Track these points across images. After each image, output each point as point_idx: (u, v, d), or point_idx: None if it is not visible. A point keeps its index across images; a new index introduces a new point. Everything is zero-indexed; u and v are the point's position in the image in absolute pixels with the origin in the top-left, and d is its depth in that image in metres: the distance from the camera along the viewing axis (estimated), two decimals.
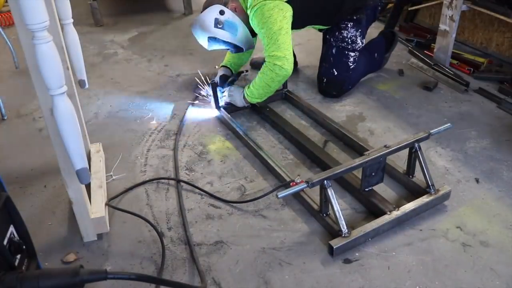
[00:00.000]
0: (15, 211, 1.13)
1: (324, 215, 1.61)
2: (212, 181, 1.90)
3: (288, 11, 2.10)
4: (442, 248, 1.52)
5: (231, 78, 2.47)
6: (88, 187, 1.70)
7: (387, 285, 1.39)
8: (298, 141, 2.08)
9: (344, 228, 1.51)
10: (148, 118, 2.41)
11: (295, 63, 2.55)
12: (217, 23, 2.19)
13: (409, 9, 3.59)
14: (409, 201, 1.66)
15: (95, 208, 1.60)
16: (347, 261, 1.48)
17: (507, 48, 2.90)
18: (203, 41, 2.31)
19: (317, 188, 1.57)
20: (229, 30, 2.21)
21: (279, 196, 1.49)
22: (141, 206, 1.76)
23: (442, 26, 2.83)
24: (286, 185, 1.74)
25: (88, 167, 1.31)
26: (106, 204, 1.53)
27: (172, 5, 4.48)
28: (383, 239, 1.56)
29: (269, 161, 1.91)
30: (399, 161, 1.89)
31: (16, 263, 1.09)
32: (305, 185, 1.52)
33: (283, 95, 2.55)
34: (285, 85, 2.53)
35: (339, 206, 1.53)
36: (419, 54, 2.92)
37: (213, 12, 2.19)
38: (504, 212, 1.67)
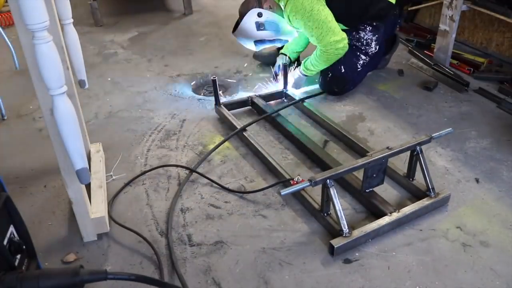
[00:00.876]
0: (15, 211, 1.13)
1: (325, 214, 1.61)
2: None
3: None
4: (442, 248, 1.52)
5: (288, 63, 2.64)
6: (88, 187, 1.70)
7: (387, 285, 1.39)
8: (298, 141, 2.08)
9: (345, 228, 1.51)
10: (148, 118, 2.41)
11: None
12: (258, 26, 2.34)
13: (409, 9, 3.59)
14: (409, 203, 1.66)
15: (95, 208, 1.60)
16: (347, 261, 1.48)
17: (507, 48, 2.90)
18: (250, 46, 2.52)
19: (318, 188, 1.57)
20: (271, 29, 2.37)
21: (282, 193, 1.49)
22: (141, 206, 1.76)
23: (442, 26, 2.83)
24: (285, 182, 1.74)
25: (88, 167, 1.31)
26: (110, 218, 1.53)
27: (172, 5, 4.48)
28: (383, 239, 1.56)
29: (270, 160, 1.91)
30: (399, 162, 1.89)
31: (16, 263, 1.09)
32: (308, 184, 1.53)
33: (283, 95, 2.55)
34: (285, 84, 2.53)
35: (341, 206, 1.53)
36: (419, 54, 2.92)
37: (251, 17, 2.34)
38: (504, 212, 1.67)
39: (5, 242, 1.06)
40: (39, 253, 1.24)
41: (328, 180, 1.53)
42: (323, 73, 2.51)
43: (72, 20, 1.61)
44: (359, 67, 2.46)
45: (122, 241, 1.59)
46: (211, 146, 2.13)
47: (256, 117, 2.34)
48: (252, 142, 2.05)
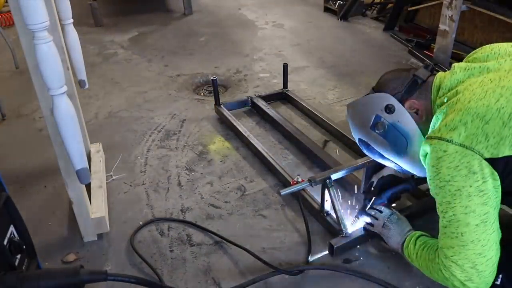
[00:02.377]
0: (15, 211, 1.13)
1: (325, 214, 1.61)
2: (212, 181, 1.90)
3: (484, 181, 1.09)
4: None
5: (401, 187, 1.56)
6: (88, 187, 1.70)
7: (386, 285, 1.39)
8: (298, 141, 2.08)
9: (345, 228, 1.51)
10: (148, 118, 2.41)
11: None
12: (375, 124, 1.32)
13: (409, 9, 3.60)
14: (408, 203, 1.66)
15: (95, 208, 1.60)
16: (347, 261, 1.48)
17: None
18: (354, 136, 1.46)
19: (318, 187, 1.57)
20: (393, 141, 1.31)
21: (281, 193, 1.49)
22: (141, 206, 1.76)
23: (442, 26, 2.83)
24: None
25: (88, 167, 1.31)
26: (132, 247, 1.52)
27: (172, 5, 4.48)
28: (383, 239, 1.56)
29: (270, 160, 1.91)
30: None
31: (16, 263, 1.09)
32: (308, 184, 1.53)
33: (283, 95, 2.55)
34: (285, 85, 2.53)
35: (340, 206, 1.53)
36: (419, 54, 2.92)
37: (377, 102, 1.32)
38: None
39: (5, 242, 1.06)
40: (39, 253, 1.24)
41: (327, 180, 1.53)
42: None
43: (72, 20, 1.61)
44: None
45: (122, 241, 1.59)
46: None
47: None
48: (252, 142, 2.05)
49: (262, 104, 2.38)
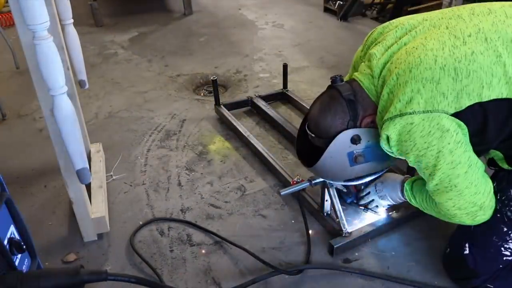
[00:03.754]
0: (16, 211, 1.13)
1: (325, 214, 1.61)
2: (212, 181, 1.90)
3: (456, 133, 1.14)
4: (441, 248, 1.52)
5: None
6: (88, 187, 1.70)
7: (386, 285, 1.39)
8: None
9: (344, 228, 1.51)
10: (148, 118, 2.41)
11: None
12: (353, 159, 1.34)
13: (409, 9, 3.60)
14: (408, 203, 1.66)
15: (95, 208, 1.60)
16: (347, 261, 1.48)
17: None
18: (336, 184, 1.56)
19: (318, 187, 1.57)
20: (376, 158, 1.35)
21: (281, 193, 1.50)
22: (141, 206, 1.76)
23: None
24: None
25: (88, 167, 1.32)
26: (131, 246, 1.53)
27: (172, 5, 4.48)
28: (383, 239, 1.56)
29: (270, 160, 1.91)
30: (398, 162, 1.89)
31: (17, 263, 1.09)
32: (308, 183, 1.53)
33: (283, 95, 2.55)
34: (285, 85, 2.53)
35: (340, 206, 1.53)
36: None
37: (341, 145, 1.32)
38: None
39: (5, 242, 1.06)
40: (39, 253, 1.24)
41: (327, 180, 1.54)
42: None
43: (72, 21, 1.61)
44: (507, 256, 1.28)
45: (122, 241, 1.59)
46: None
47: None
48: (252, 142, 2.05)
49: (262, 104, 2.38)
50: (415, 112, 1.13)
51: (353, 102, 1.29)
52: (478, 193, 1.19)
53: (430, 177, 1.20)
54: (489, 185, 1.21)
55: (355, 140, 1.30)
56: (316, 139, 1.36)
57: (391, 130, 1.17)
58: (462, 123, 1.14)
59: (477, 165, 1.19)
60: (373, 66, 1.26)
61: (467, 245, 1.32)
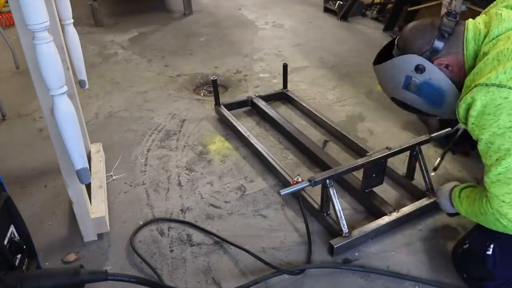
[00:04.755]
0: (16, 211, 1.13)
1: (325, 214, 1.61)
2: (212, 181, 1.90)
3: None
4: (442, 247, 1.52)
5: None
6: (88, 187, 1.70)
7: (386, 285, 1.39)
8: (298, 141, 2.08)
9: (344, 228, 1.51)
10: (148, 118, 2.41)
11: None
12: (408, 84, 1.32)
13: (409, 9, 3.60)
14: (408, 203, 1.67)
15: (95, 208, 1.60)
16: (347, 261, 1.48)
17: None
18: (386, 94, 1.49)
19: (318, 187, 1.57)
20: (428, 97, 1.32)
21: (281, 193, 1.50)
22: (141, 206, 1.76)
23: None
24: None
25: (88, 167, 1.31)
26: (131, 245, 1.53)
27: (172, 5, 4.48)
28: (383, 239, 1.56)
29: (270, 160, 1.91)
30: (398, 162, 1.89)
31: (17, 263, 1.10)
32: (308, 183, 1.53)
33: (283, 95, 2.55)
34: (285, 85, 2.53)
35: (340, 206, 1.53)
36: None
37: (405, 65, 1.31)
38: None
39: (5, 242, 1.06)
40: (39, 252, 1.24)
41: (327, 180, 1.54)
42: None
43: (72, 21, 1.61)
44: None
45: (122, 241, 1.59)
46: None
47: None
48: (252, 142, 2.05)
49: (262, 104, 2.38)
50: None
51: (443, 39, 1.25)
52: None
53: (497, 162, 1.12)
54: None
55: (419, 68, 1.27)
56: (395, 47, 1.36)
57: (481, 96, 1.09)
58: None
59: None
60: (493, 26, 1.19)
61: (492, 246, 1.26)
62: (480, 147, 1.16)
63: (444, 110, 1.34)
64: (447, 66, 1.26)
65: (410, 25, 1.35)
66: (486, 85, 1.09)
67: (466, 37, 1.23)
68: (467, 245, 1.35)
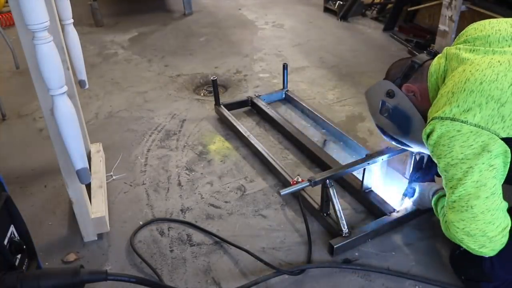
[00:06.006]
0: (16, 211, 1.13)
1: (325, 214, 1.61)
2: (212, 181, 1.90)
3: (496, 157, 1.13)
4: (442, 248, 1.52)
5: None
6: (88, 187, 1.70)
7: (386, 284, 1.39)
8: (298, 141, 2.08)
9: (344, 228, 1.51)
10: (148, 118, 2.41)
11: None
12: (382, 109, 1.47)
13: (409, 9, 3.60)
14: (408, 203, 1.66)
15: (96, 208, 1.60)
16: (347, 261, 1.48)
17: None
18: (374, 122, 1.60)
19: (318, 187, 1.57)
20: (398, 122, 1.44)
21: (281, 193, 1.50)
22: (141, 206, 1.76)
23: (441, 27, 2.83)
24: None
25: (88, 167, 1.31)
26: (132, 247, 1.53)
27: (172, 5, 4.48)
28: (383, 239, 1.56)
29: (270, 160, 1.91)
30: (398, 163, 1.89)
31: (17, 263, 1.10)
32: (308, 184, 1.53)
33: (283, 95, 2.55)
34: (285, 85, 2.53)
35: (340, 206, 1.53)
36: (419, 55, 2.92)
37: (380, 89, 1.45)
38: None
39: (5, 242, 1.06)
40: (39, 253, 1.24)
41: (327, 180, 1.54)
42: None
43: (72, 21, 1.61)
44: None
45: (122, 241, 1.59)
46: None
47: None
48: (252, 142, 2.05)
49: (262, 104, 2.38)
50: (467, 122, 1.12)
51: (412, 68, 1.38)
52: (492, 224, 1.15)
53: (451, 190, 1.19)
54: (506, 222, 1.17)
55: (389, 93, 1.42)
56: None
57: (437, 128, 1.16)
58: (509, 151, 1.12)
59: (500, 197, 1.16)
60: (453, 61, 1.27)
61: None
62: (439, 172, 1.23)
63: (412, 139, 1.45)
64: (414, 94, 1.38)
65: (395, 61, 1.51)
66: (441, 118, 1.16)
67: (429, 71, 1.33)
68: (462, 248, 1.32)
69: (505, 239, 1.18)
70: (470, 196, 1.15)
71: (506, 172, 1.15)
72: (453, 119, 1.14)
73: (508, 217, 1.18)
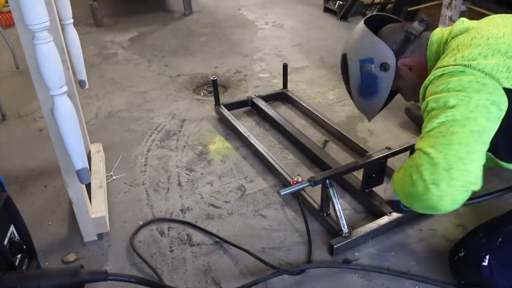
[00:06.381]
0: (16, 211, 1.13)
1: (325, 214, 1.61)
2: (212, 181, 1.90)
3: (502, 103, 1.06)
4: (442, 247, 1.52)
5: None
6: (88, 187, 1.70)
7: (387, 284, 1.39)
8: (298, 141, 2.08)
9: (344, 228, 1.51)
10: (148, 118, 2.41)
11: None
12: (364, 62, 1.40)
13: (409, 9, 3.60)
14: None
15: (95, 208, 1.60)
16: (347, 261, 1.48)
17: None
18: (344, 49, 1.52)
19: (318, 187, 1.57)
20: (365, 82, 1.42)
21: (281, 193, 1.50)
22: (141, 206, 1.76)
23: (441, 27, 2.83)
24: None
25: (88, 167, 1.32)
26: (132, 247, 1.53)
27: (172, 5, 4.48)
28: (383, 239, 1.56)
29: (270, 160, 1.91)
30: (398, 162, 1.89)
31: (17, 263, 1.10)
32: (308, 183, 1.53)
33: (283, 95, 2.55)
34: (285, 85, 2.53)
35: (340, 206, 1.53)
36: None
37: (378, 51, 1.37)
38: (504, 211, 1.67)
39: (5, 242, 1.06)
40: (39, 253, 1.24)
41: (327, 180, 1.54)
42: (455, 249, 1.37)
43: (72, 21, 1.61)
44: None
45: (122, 241, 1.59)
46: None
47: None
48: (252, 142, 2.05)
49: (262, 104, 2.38)
50: (471, 66, 1.07)
51: (408, 40, 1.34)
52: (463, 163, 1.00)
53: (433, 119, 1.07)
54: (475, 178, 1.01)
55: (384, 66, 1.36)
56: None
57: (437, 72, 1.12)
58: (507, 103, 1.05)
59: (486, 145, 1.04)
60: (455, 27, 1.24)
61: (487, 257, 1.22)
62: (423, 112, 1.15)
63: (360, 101, 1.51)
64: (410, 68, 1.34)
65: (386, 26, 1.43)
66: (443, 66, 1.13)
67: (430, 39, 1.30)
68: (463, 253, 1.33)
69: (462, 196, 1.02)
70: (456, 122, 1.02)
71: (496, 130, 1.05)
72: (456, 64, 1.09)
73: (480, 179, 1.03)
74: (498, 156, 1.20)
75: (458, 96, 1.04)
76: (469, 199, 1.06)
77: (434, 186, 1.01)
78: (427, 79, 1.17)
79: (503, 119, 1.06)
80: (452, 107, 1.04)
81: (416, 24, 1.35)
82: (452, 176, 1.00)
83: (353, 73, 1.46)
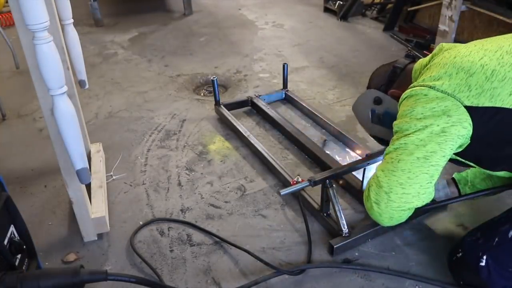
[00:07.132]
0: (16, 211, 1.13)
1: (325, 214, 1.61)
2: (212, 181, 1.90)
3: (463, 121, 1.13)
4: (442, 248, 1.52)
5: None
6: (88, 187, 1.70)
7: (387, 284, 1.39)
8: (298, 141, 2.08)
9: (344, 228, 1.51)
10: (148, 118, 2.41)
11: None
12: (373, 117, 1.51)
13: (409, 9, 3.60)
14: None
15: (95, 208, 1.60)
16: (347, 261, 1.48)
17: None
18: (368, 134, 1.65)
19: (318, 187, 1.57)
20: (390, 126, 1.35)
21: (281, 193, 1.50)
22: (141, 206, 1.76)
23: (441, 27, 2.83)
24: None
25: (88, 167, 1.32)
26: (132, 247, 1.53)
27: (172, 5, 4.48)
28: (383, 239, 1.56)
29: (270, 160, 1.91)
30: None
31: (17, 263, 1.10)
32: (308, 183, 1.53)
33: (283, 95, 2.55)
34: (285, 85, 2.53)
35: (340, 206, 1.53)
36: (419, 54, 2.92)
37: (367, 99, 1.50)
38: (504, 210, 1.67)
39: (5, 242, 1.06)
40: (39, 253, 1.24)
41: (327, 180, 1.54)
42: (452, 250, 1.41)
43: (72, 20, 1.61)
44: None
45: (122, 241, 1.59)
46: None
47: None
48: (252, 142, 2.05)
49: (262, 104, 2.38)
50: (435, 87, 1.17)
51: (395, 74, 1.44)
52: (401, 187, 1.19)
53: (391, 143, 1.23)
54: (415, 202, 1.21)
55: (376, 100, 1.48)
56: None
57: (407, 93, 1.23)
58: (469, 120, 1.13)
59: (430, 169, 1.17)
60: (435, 51, 1.33)
61: (485, 257, 1.24)
62: (394, 131, 1.26)
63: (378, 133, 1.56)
64: (396, 97, 1.40)
65: (376, 69, 1.57)
66: (413, 86, 1.24)
67: (414, 67, 1.38)
68: (461, 254, 1.34)
69: (399, 214, 1.23)
70: (405, 151, 1.18)
71: (454, 148, 1.17)
72: (422, 85, 1.20)
73: (423, 202, 1.22)
74: (480, 165, 1.28)
75: (416, 125, 1.17)
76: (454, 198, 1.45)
77: (375, 205, 1.25)
78: (401, 97, 1.27)
79: (473, 134, 1.15)
80: (407, 135, 1.18)
81: (402, 59, 1.48)
82: (391, 198, 1.21)
83: (383, 133, 1.54)
